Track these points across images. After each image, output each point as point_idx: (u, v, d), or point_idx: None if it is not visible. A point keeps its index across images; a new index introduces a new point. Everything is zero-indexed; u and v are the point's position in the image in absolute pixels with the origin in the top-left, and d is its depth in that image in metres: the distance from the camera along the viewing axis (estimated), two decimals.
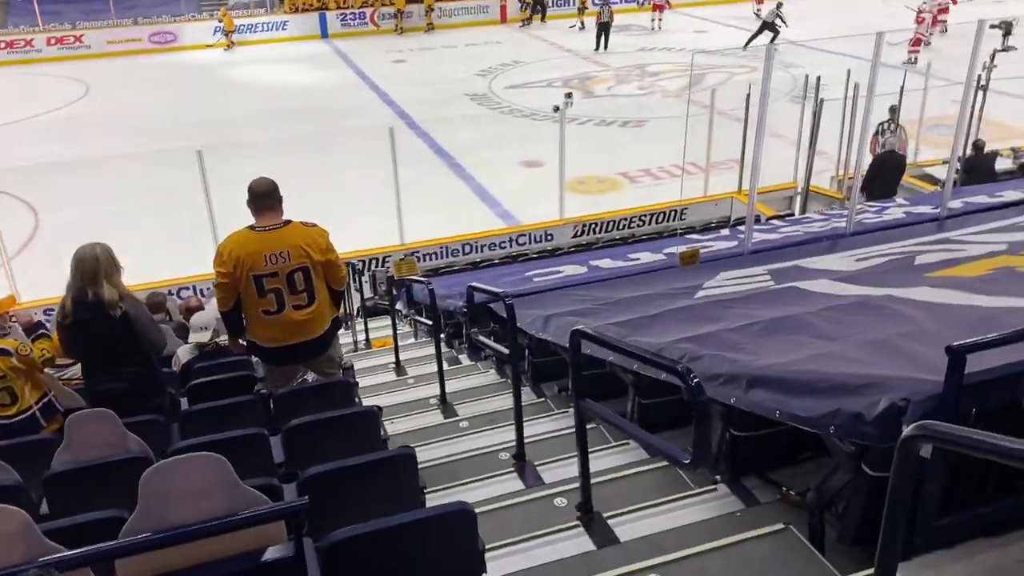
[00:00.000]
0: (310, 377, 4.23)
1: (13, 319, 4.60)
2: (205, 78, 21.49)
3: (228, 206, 9.77)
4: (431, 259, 10.02)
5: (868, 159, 8.86)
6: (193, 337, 4.95)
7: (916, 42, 18.66)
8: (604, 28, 22.71)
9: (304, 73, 21.77)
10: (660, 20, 25.19)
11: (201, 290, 9.24)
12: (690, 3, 28.83)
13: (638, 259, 6.92)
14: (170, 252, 10.30)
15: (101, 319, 3.89)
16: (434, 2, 26.68)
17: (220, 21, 24.75)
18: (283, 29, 25.54)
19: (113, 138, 16.48)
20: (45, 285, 8.66)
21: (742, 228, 6.63)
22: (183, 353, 5.00)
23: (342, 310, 4.77)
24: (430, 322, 5.78)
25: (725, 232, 7.99)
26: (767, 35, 20.91)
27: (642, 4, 26.37)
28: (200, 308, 6.00)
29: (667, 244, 7.43)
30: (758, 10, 23.47)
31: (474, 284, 4.32)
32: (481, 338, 5.04)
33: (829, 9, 24.26)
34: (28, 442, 3.63)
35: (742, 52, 20.14)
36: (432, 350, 5.89)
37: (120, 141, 16.24)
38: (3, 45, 23.81)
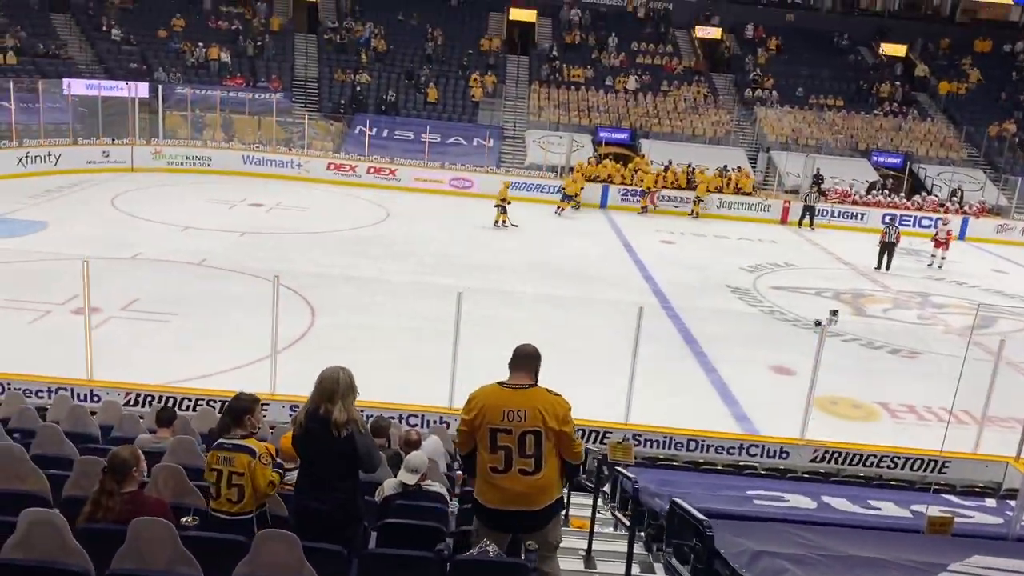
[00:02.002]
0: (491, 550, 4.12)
1: (271, 428, 4.96)
2: (490, 225, 23.24)
3: (473, 343, 10.28)
4: (651, 446, 9.67)
5: None
6: (402, 476, 5.07)
7: None
8: (888, 248, 21.65)
9: (577, 237, 22.81)
10: (944, 258, 22.79)
11: (431, 421, 9.59)
12: (991, 240, 26.91)
13: (880, 509, 6.15)
14: (408, 374, 10.90)
15: (326, 436, 4.14)
16: (705, 193, 27.18)
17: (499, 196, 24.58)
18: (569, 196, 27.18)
19: (395, 261, 18.18)
20: (304, 384, 9.44)
21: (1013, 503, 5.73)
22: (388, 487, 5.13)
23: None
24: (627, 522, 5.47)
25: (991, 503, 6.94)
26: None
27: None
28: (418, 444, 6.18)
29: (917, 500, 6.56)
30: None
31: (677, 501, 4.03)
32: (673, 562, 4.65)
33: None
34: (227, 541, 3.83)
35: None
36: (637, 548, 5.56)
37: (400, 265, 17.87)
38: (334, 166, 27.59)
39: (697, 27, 37.28)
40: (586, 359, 12.19)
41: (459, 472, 6.58)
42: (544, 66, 34.18)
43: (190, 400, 9.57)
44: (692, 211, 27.06)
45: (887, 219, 24.00)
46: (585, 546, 6.02)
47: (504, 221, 22.92)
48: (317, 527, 4.06)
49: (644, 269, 19.78)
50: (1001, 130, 32.81)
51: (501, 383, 4.20)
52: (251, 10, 34.23)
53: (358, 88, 31.70)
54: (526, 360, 4.22)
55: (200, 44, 31.53)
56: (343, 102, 31.23)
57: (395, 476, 5.25)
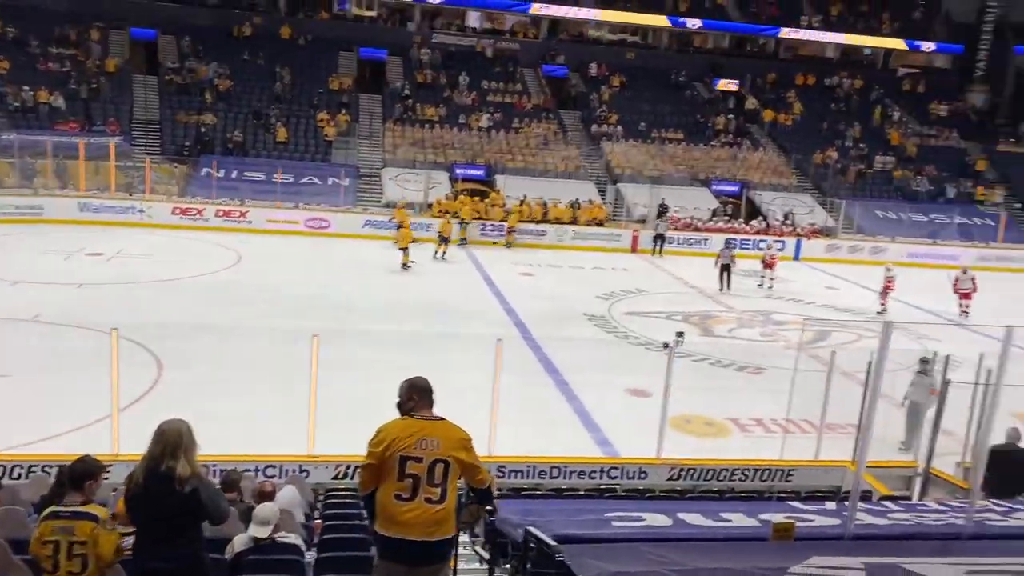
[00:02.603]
0: None
1: (113, 491, 4.69)
2: (346, 264, 22.90)
3: (333, 387, 10.06)
4: (516, 477, 9.73)
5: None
6: (252, 530, 4.87)
7: None
8: (725, 269, 22.94)
9: (436, 274, 22.83)
10: (772, 279, 23.95)
11: (289, 471, 9.27)
12: (822, 259, 29.02)
13: (730, 521, 6.42)
14: (264, 423, 10.52)
15: (168, 492, 3.98)
16: (516, 224, 27.65)
17: (392, 219, 25.79)
18: (427, 230, 27.20)
19: (249, 307, 17.57)
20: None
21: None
22: (238, 543, 4.92)
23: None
24: (487, 554, 5.48)
25: (831, 506, 7.39)
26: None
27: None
28: (272, 496, 5.96)
29: (764, 509, 6.89)
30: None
31: (530, 529, 4.10)
32: None
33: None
34: None
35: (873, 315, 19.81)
36: None
37: (253, 310, 17.29)
38: (180, 211, 26.47)
39: (544, 67, 38.51)
40: (450, 394, 12.09)
41: (317, 521, 6.39)
42: (397, 104, 34.28)
43: (21, 467, 8.84)
44: (506, 242, 27.37)
45: (723, 243, 25.39)
46: None
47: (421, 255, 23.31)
48: None
49: (505, 301, 20.03)
50: (825, 157, 35.59)
51: (411, 415, 4.33)
52: (84, 51, 32.55)
53: (203, 129, 30.69)
54: (429, 393, 4.45)
55: (26, 87, 29.65)
56: (187, 144, 30.13)
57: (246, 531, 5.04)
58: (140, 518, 4.12)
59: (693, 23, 40.56)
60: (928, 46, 42.48)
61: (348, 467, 9.05)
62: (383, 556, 4.21)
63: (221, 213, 26.64)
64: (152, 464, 4.03)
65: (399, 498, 4.09)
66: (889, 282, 21.31)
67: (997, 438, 8.72)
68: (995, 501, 7.19)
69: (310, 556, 5.22)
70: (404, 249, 22.80)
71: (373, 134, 33.29)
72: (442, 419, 4.39)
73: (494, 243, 27.36)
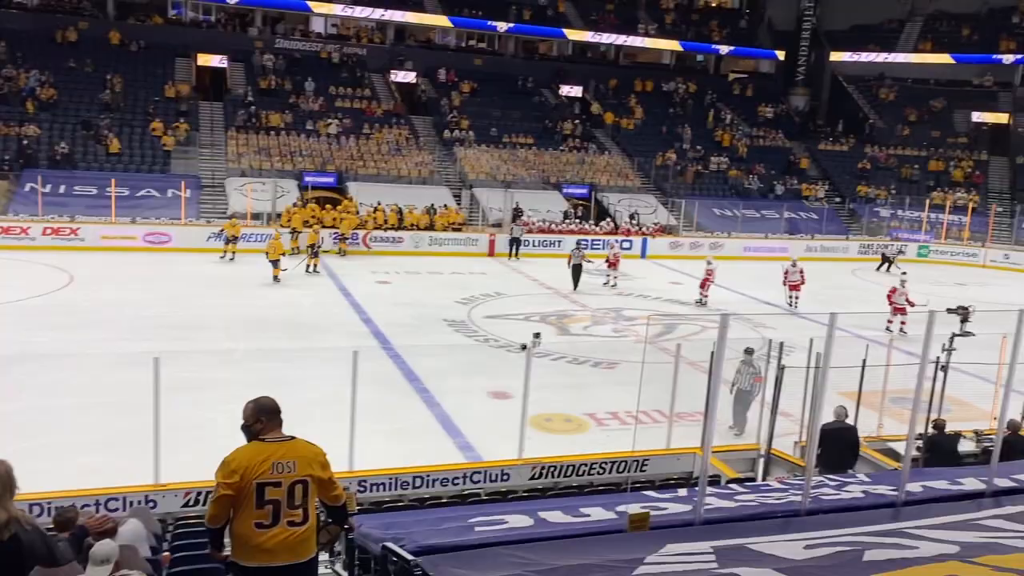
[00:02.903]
0: None
1: None
2: (192, 280, 21.84)
3: (181, 410, 9.56)
4: (378, 490, 9.57)
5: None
6: (91, 571, 4.53)
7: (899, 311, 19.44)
8: (576, 269, 23.59)
9: (289, 287, 22.18)
10: (616, 277, 24.59)
11: (133, 502, 8.72)
12: (666, 256, 30.38)
13: (589, 515, 6.57)
14: (104, 454, 9.88)
15: None
16: (349, 232, 27.14)
17: (222, 231, 25.17)
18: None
19: (83, 331, 16.42)
20: None
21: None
22: None
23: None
24: (344, 573, 5.37)
25: (683, 492, 7.71)
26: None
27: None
28: (114, 532, 5.56)
29: (621, 500, 7.11)
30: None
31: (387, 544, 4.06)
32: None
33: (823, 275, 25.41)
34: None
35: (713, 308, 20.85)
36: None
37: (88, 334, 16.17)
38: (1, 230, 24.41)
39: (392, 72, 38.25)
40: (307, 410, 11.80)
41: (165, 554, 6.05)
42: (240, 112, 33.07)
43: None
44: (339, 249, 26.67)
45: (574, 244, 26.07)
46: None
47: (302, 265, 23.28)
48: None
49: (362, 312, 19.71)
50: (665, 159, 37.26)
51: (261, 439, 4.19)
52: None
53: (25, 142, 28.46)
54: (276, 413, 4.32)
55: None
56: (7, 157, 27.83)
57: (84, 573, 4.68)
58: None
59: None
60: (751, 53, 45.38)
61: (199, 493, 8.62)
62: None
63: (49, 231, 24.76)
64: None
65: (260, 526, 3.97)
66: (709, 274, 22.38)
67: (828, 417, 9.41)
68: (829, 476, 7.74)
69: None
70: (275, 262, 22.21)
71: (215, 143, 31.95)
72: (293, 438, 4.29)
73: (328, 251, 26.07)
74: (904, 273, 23.65)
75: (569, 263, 23.90)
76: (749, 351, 12.55)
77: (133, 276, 21.87)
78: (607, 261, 24.89)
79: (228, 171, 30.36)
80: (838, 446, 9.08)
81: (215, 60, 35.19)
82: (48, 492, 8.16)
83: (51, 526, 5.31)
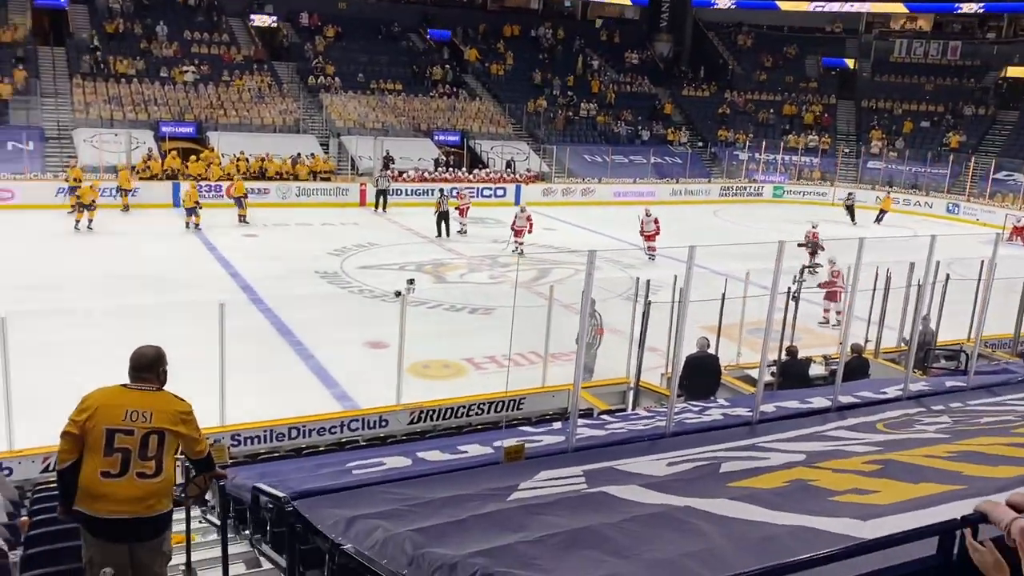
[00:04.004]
0: None
1: None
2: (40, 238, 20.47)
3: (36, 373, 9.03)
4: (254, 443, 9.42)
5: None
6: None
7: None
8: (443, 217, 23.62)
9: (152, 241, 21.13)
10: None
11: None
12: (540, 203, 30.74)
13: (466, 452, 6.72)
14: None
15: None
16: (128, 183, 25.09)
17: (67, 181, 23.57)
18: (133, 196, 25.00)
19: None
20: None
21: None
22: None
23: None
24: (218, 522, 5.30)
25: (557, 426, 7.99)
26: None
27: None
28: None
29: (498, 437, 7.29)
30: None
31: (258, 486, 4.03)
32: (264, 548, 4.61)
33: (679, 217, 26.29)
34: None
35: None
36: (242, 547, 5.37)
37: None
38: None
39: (251, 16, 36.49)
40: (176, 368, 11.42)
41: (24, 519, 5.77)
42: (85, 58, 30.83)
43: None
44: (123, 204, 24.76)
45: (437, 192, 25.83)
46: (184, 560, 5.70)
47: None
48: None
49: (229, 266, 19.07)
50: (536, 105, 37.43)
51: (125, 384, 4.07)
52: None
53: None
54: (147, 365, 4.14)
55: None
56: None
57: None
58: None
59: None
60: None
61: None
62: (99, 537, 3.91)
63: None
64: None
65: (107, 475, 3.81)
66: (529, 221, 22.10)
67: (691, 349, 9.91)
68: (693, 403, 8.19)
69: (15, 556, 4.73)
70: (191, 209, 22.69)
71: (59, 92, 29.71)
72: (160, 390, 4.16)
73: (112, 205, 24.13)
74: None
75: (435, 212, 23.88)
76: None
77: None
78: (458, 209, 24.61)
79: (75, 122, 28.38)
80: (701, 374, 9.60)
81: (54, 2, 32.54)
82: None
83: None
